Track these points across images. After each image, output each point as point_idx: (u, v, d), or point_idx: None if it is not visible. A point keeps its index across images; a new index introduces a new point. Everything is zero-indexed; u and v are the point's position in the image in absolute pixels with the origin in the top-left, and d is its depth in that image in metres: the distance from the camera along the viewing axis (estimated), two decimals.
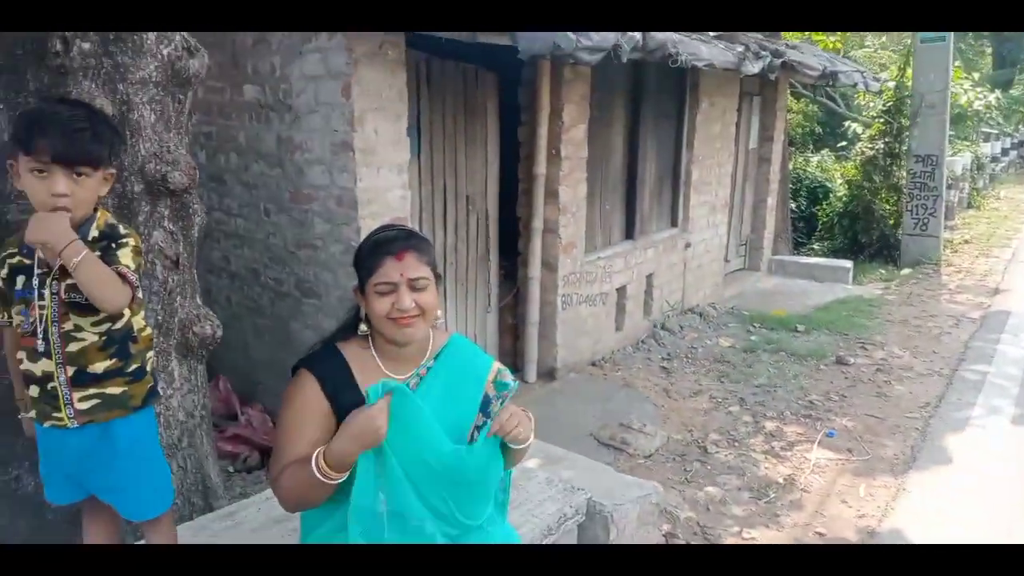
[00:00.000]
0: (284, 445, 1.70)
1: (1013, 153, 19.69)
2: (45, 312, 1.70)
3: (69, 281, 1.67)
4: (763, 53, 5.61)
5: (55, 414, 1.74)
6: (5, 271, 1.74)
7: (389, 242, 1.72)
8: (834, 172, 12.60)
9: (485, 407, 1.77)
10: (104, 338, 1.75)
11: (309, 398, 1.72)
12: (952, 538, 3.27)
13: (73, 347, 1.71)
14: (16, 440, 2.31)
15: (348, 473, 1.61)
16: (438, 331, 1.93)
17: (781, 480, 3.87)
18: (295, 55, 3.52)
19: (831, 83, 7.34)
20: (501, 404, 1.79)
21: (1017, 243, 10.34)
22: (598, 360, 5.59)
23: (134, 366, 1.82)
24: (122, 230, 1.76)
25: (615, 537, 2.76)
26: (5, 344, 1.85)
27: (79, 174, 1.65)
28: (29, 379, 1.75)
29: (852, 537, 3.36)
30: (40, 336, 1.70)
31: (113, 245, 1.71)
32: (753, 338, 6.23)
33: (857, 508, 3.60)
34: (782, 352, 5.83)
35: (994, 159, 16.65)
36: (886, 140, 9.72)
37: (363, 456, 1.63)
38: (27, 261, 1.71)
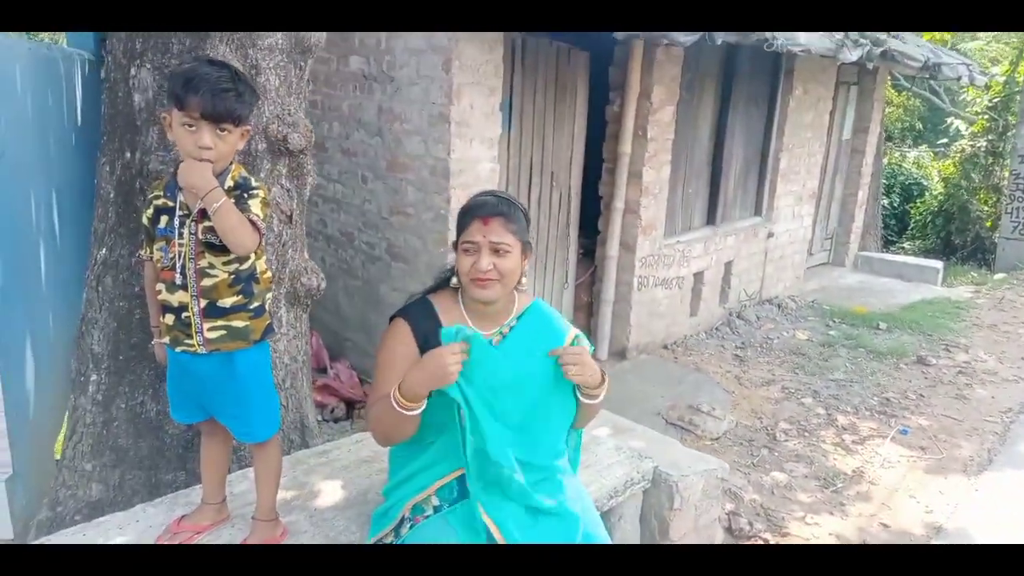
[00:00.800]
0: (377, 383, 1.91)
1: None
2: (184, 250, 1.92)
3: (206, 224, 1.88)
4: (863, 41, 5.48)
5: (187, 340, 1.97)
6: (151, 211, 1.97)
7: (480, 206, 1.87)
8: (931, 170, 12.11)
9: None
10: (232, 276, 1.96)
11: (401, 342, 1.91)
12: (1017, 537, 3.23)
13: (207, 282, 1.93)
14: (144, 370, 2.59)
15: (422, 407, 1.76)
16: (523, 295, 2.07)
17: (849, 472, 3.88)
18: None
19: (933, 76, 7.06)
20: None
21: None
22: (670, 344, 5.64)
23: (256, 304, 2.03)
24: (253, 183, 1.96)
25: (679, 506, 2.86)
26: (146, 276, 2.09)
27: (222, 130, 1.85)
28: (166, 308, 1.98)
29: (918, 531, 3.35)
30: (178, 271, 1.93)
31: (245, 195, 1.91)
32: (832, 333, 6.15)
33: (926, 504, 3.58)
34: (861, 348, 5.74)
35: None
36: (989, 138, 9.30)
37: (455, 398, 1.80)
38: (170, 203, 1.93)
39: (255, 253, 2.00)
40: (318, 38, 2.54)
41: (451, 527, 1.91)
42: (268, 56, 2.42)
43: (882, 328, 6.29)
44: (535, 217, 4.64)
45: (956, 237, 9.57)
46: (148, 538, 2.15)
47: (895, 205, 11.17)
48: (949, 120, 15.70)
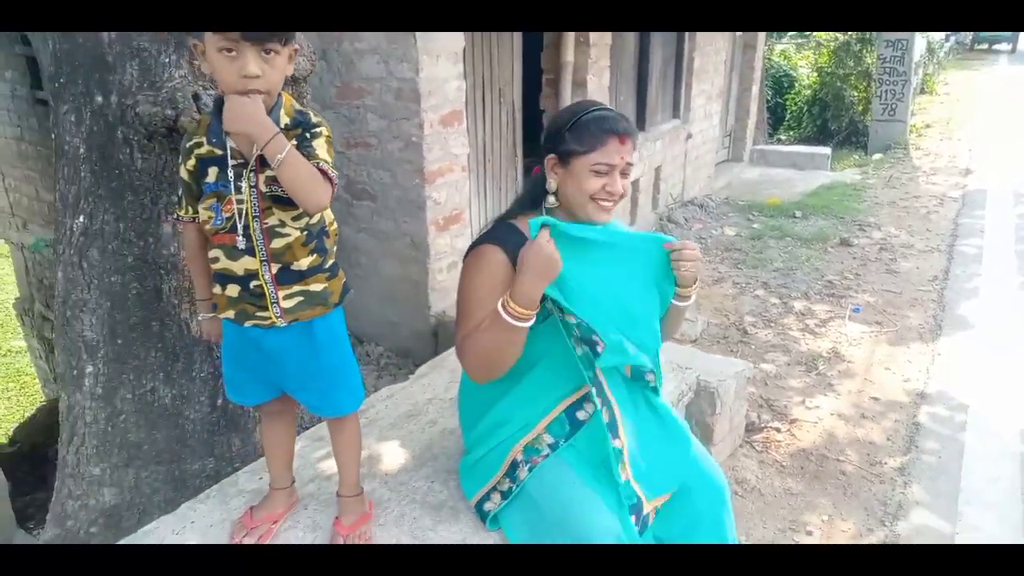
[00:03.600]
0: (470, 311, 1.68)
1: (952, 39, 20.13)
2: (244, 207, 1.60)
3: (269, 173, 1.56)
4: None
5: (259, 313, 1.67)
6: (192, 162, 1.62)
7: (615, 121, 1.65)
8: (796, 61, 12.66)
9: None
10: (306, 233, 1.66)
11: (496, 269, 1.68)
12: (989, 392, 3.55)
13: (277, 243, 1.62)
14: (149, 352, 2.23)
15: (533, 318, 1.59)
16: None
17: (825, 353, 4.08)
18: None
19: None
20: None
21: (974, 126, 10.73)
22: None
23: (330, 262, 1.75)
24: (313, 118, 1.63)
25: (719, 410, 2.90)
26: (186, 242, 1.74)
27: (269, 51, 1.49)
28: (226, 278, 1.67)
29: (904, 400, 3.60)
30: (240, 232, 1.61)
31: (307, 135, 1.59)
32: (756, 226, 6.39)
33: (901, 374, 3.85)
34: (788, 238, 6.02)
35: (939, 45, 17.00)
36: None
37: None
38: (218, 152, 1.58)
39: None
40: None
41: (570, 465, 1.79)
42: None
43: (798, 216, 6.62)
44: (489, 136, 4.40)
45: (832, 123, 10.15)
46: (214, 538, 1.89)
47: (769, 98, 11.64)
48: None
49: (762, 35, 8.16)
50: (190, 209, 1.68)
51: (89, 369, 2.20)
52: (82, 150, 2.07)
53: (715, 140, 7.41)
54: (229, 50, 1.48)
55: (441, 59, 3.40)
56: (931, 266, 5.35)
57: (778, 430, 3.39)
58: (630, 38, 5.58)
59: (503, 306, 1.58)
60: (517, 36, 4.55)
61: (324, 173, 1.56)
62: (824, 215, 6.64)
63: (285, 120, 1.60)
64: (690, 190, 6.96)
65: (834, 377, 3.84)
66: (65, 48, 2.03)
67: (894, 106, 9.44)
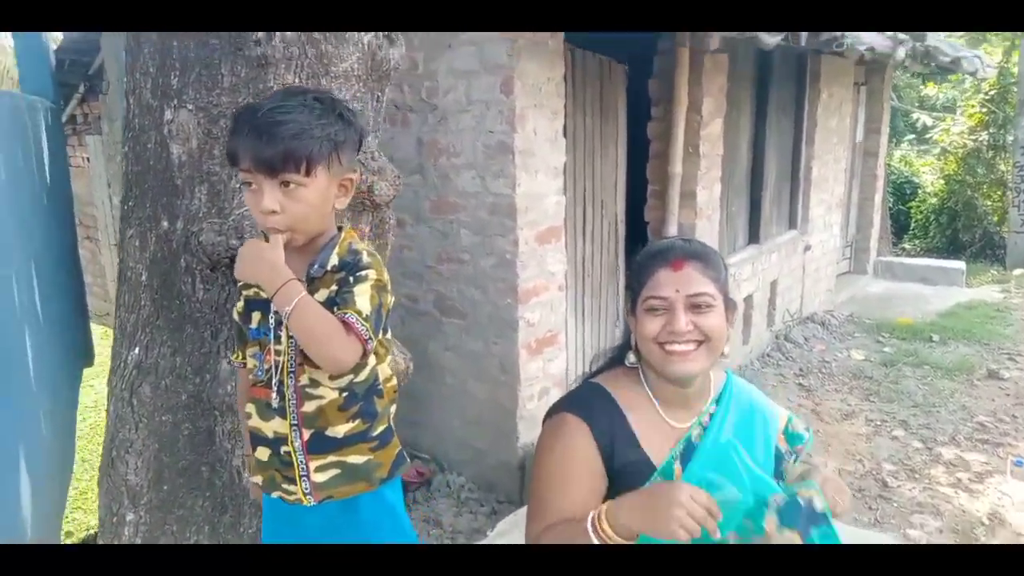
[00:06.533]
0: (547, 501, 1.33)
1: None
2: (282, 359, 1.35)
3: None
4: (902, 37, 5.14)
5: (286, 486, 1.39)
6: (241, 304, 1.40)
7: (667, 250, 1.37)
8: (919, 168, 11.96)
9: (778, 464, 1.47)
10: (345, 395, 1.38)
11: (577, 448, 1.36)
12: None
13: (309, 407, 1.35)
14: (196, 501, 1.98)
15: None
16: (716, 369, 1.54)
17: (985, 520, 3.41)
18: (443, 48, 3.15)
19: (953, 70, 6.81)
20: (795, 460, 1.49)
21: None
22: None
23: (380, 428, 1.45)
24: (364, 259, 1.36)
25: None
26: (239, 388, 1.51)
27: (288, 184, 1.24)
28: (257, 439, 1.41)
29: None
30: (275, 389, 1.36)
31: (350, 279, 1.32)
32: (887, 350, 5.73)
33: None
34: (926, 366, 5.33)
35: None
36: (990, 131, 9.11)
37: None
38: (263, 295, 1.35)
39: (376, 355, 1.42)
40: (396, 60, 1.99)
41: None
42: (344, 85, 1.86)
43: (935, 340, 5.91)
44: (590, 251, 4.11)
45: (963, 234, 9.35)
46: None
47: (890, 205, 10.96)
48: (914, 116, 15.75)
49: (883, 141, 7.66)
50: (241, 354, 1.45)
51: (129, 517, 1.96)
52: (144, 277, 1.90)
53: (835, 251, 6.87)
54: (249, 183, 1.28)
55: (540, 174, 3.18)
56: None
57: None
58: (743, 148, 5.26)
59: (592, 525, 1.20)
60: (621, 149, 4.33)
61: (348, 326, 1.28)
62: (965, 340, 5.90)
63: (334, 261, 1.35)
64: (809, 305, 6.40)
65: None
66: (136, 171, 1.90)
67: None
